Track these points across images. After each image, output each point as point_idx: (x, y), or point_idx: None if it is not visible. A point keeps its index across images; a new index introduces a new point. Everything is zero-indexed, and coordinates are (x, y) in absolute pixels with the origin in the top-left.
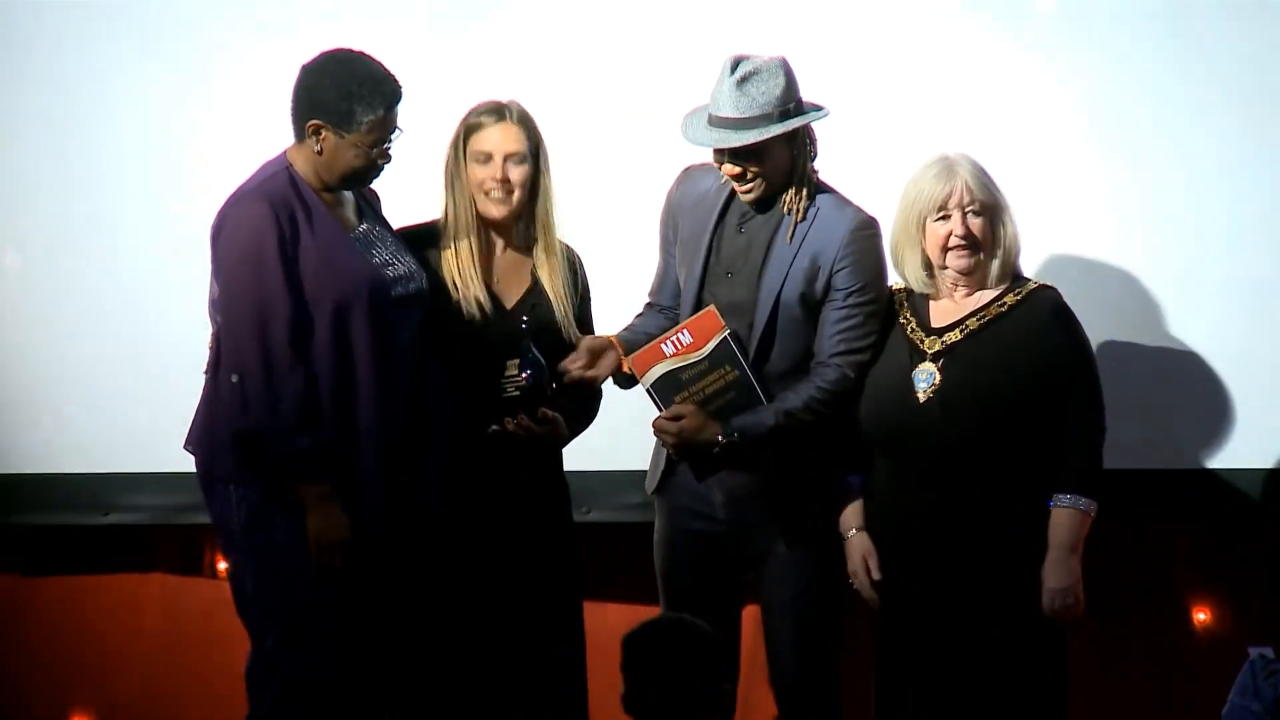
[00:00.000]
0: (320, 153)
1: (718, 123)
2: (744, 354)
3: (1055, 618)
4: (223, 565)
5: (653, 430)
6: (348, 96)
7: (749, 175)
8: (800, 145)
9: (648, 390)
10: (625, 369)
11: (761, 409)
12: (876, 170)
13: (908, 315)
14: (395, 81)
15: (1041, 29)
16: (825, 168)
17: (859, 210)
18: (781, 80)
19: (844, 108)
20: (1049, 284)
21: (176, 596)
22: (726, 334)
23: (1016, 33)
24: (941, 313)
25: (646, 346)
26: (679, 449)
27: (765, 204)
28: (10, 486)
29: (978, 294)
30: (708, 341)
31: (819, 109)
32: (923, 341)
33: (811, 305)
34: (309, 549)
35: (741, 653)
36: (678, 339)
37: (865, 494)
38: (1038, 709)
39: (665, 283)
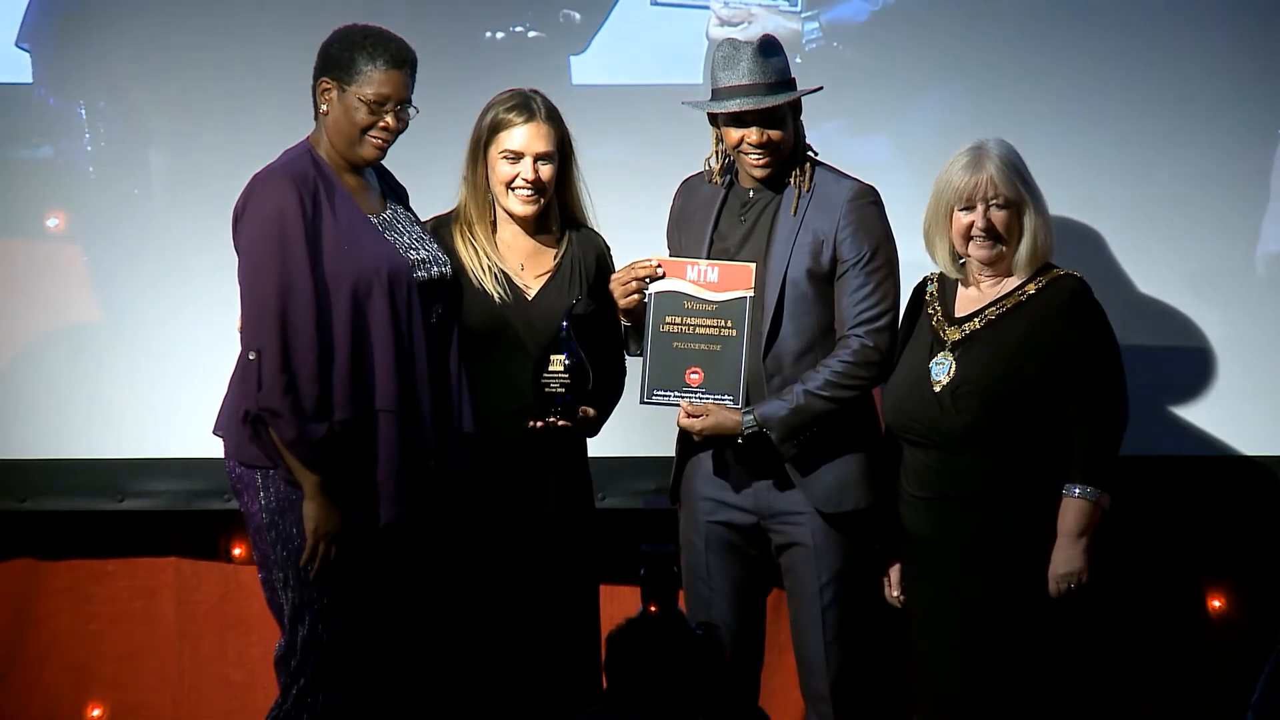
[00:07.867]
0: (327, 113)
1: (744, 91)
2: (755, 330)
3: (1060, 601)
4: (237, 550)
5: (677, 424)
6: (350, 47)
7: (770, 144)
8: (799, 121)
9: (649, 296)
10: (657, 265)
11: (783, 392)
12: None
13: (935, 306)
14: (404, 47)
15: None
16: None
17: (856, 181)
18: (784, 53)
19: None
20: (1075, 273)
21: (191, 582)
22: (749, 296)
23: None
24: (966, 302)
25: (678, 259)
26: (702, 439)
27: (765, 188)
28: (25, 471)
29: (1003, 283)
30: (728, 291)
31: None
32: (944, 331)
33: (819, 280)
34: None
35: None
36: (705, 271)
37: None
38: (1051, 694)
39: None
